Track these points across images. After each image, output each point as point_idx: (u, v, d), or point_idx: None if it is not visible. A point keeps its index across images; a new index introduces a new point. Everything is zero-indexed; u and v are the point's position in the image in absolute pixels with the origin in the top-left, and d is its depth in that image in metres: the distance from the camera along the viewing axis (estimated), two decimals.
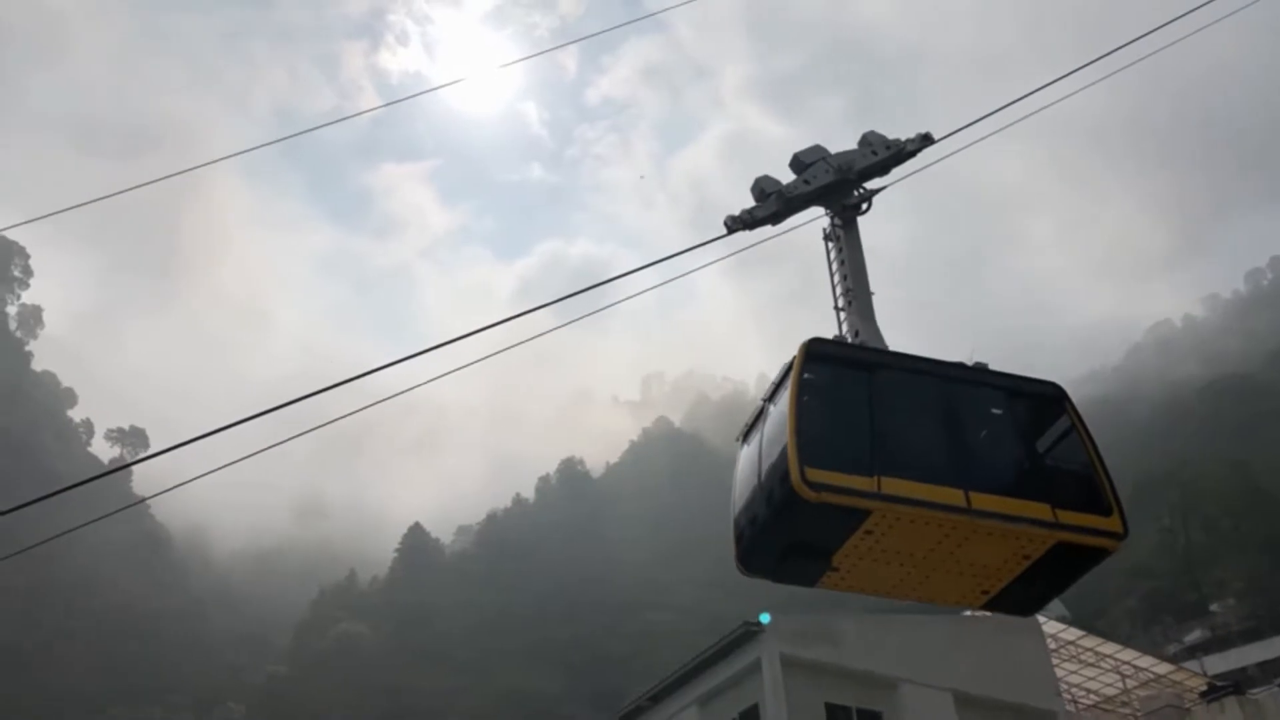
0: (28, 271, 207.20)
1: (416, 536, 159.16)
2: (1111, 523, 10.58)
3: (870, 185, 12.24)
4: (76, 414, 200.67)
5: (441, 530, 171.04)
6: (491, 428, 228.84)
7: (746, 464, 11.13)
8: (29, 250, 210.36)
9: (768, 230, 11.91)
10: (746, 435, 11.39)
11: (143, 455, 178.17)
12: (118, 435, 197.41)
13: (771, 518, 10.32)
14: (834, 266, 12.07)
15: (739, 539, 10.93)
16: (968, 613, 23.73)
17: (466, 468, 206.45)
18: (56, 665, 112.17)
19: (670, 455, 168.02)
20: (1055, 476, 10.93)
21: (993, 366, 11.55)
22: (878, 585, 10.95)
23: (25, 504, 6.95)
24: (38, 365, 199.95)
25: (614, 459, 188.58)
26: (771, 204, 11.65)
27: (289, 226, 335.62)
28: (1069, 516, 10.37)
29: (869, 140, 12.28)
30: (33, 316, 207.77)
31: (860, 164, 12.08)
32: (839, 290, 11.93)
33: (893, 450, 10.29)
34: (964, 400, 11.17)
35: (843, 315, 11.77)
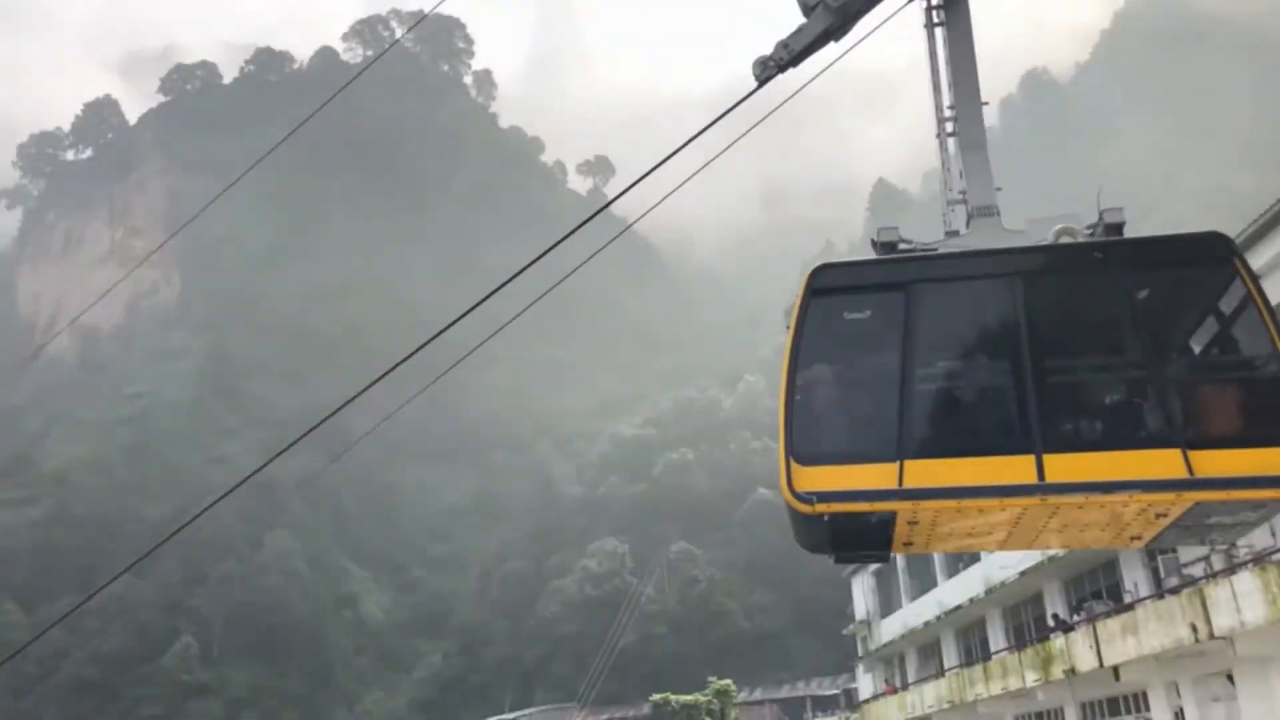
0: (469, 41, 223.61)
1: (884, 191, 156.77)
2: None
3: None
4: (548, 157, 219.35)
5: (907, 180, 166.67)
6: None
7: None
8: (464, 20, 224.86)
9: None
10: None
11: (612, 181, 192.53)
12: (587, 167, 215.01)
13: (790, 514, 7.49)
14: (938, 65, 8.70)
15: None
16: None
17: (918, 113, 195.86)
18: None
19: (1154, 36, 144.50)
20: (1200, 394, 7.41)
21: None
22: (982, 543, 8.11)
23: (552, 247, 7.49)
24: (504, 123, 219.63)
25: (1083, 57, 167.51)
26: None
27: None
28: (1215, 461, 6.88)
29: None
30: (486, 80, 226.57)
31: None
32: (943, 106, 8.64)
33: (926, 412, 7.49)
34: (1049, 297, 7.63)
35: (949, 143, 8.58)
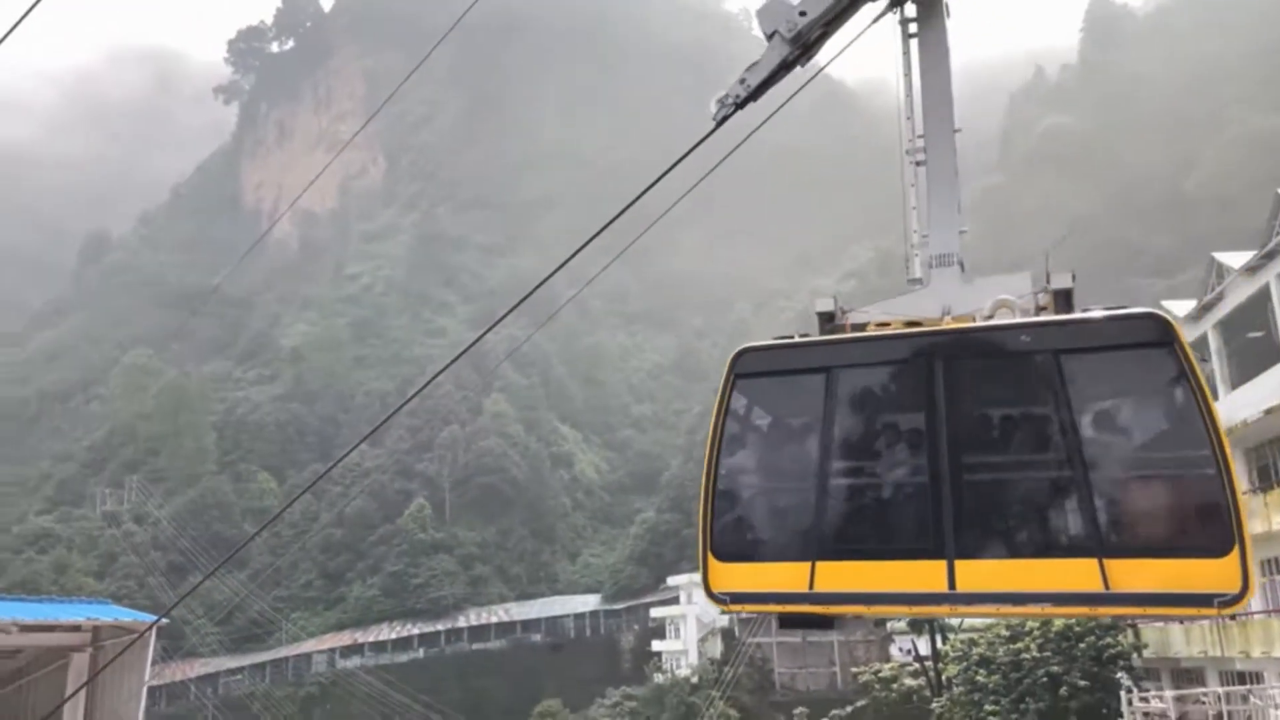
0: None
1: (1101, 7, 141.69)
2: (1222, 573, 5.90)
3: None
4: (732, 4, 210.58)
5: None
6: None
7: None
8: None
9: None
10: None
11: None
12: None
13: None
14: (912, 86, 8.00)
15: None
16: None
17: None
18: None
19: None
20: (1125, 496, 6.45)
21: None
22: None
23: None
24: None
25: None
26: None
27: None
28: (1135, 572, 6.11)
29: None
30: None
31: None
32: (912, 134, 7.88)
33: (840, 511, 6.98)
34: (970, 385, 6.82)
35: (916, 170, 7.81)
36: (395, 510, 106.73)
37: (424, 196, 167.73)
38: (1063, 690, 32.66)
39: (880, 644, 71.37)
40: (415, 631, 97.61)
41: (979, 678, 37.08)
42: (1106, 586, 6.26)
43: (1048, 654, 33.69)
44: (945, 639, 52.26)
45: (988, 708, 35.62)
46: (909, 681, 62.72)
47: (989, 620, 36.13)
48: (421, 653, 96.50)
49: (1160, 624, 36.92)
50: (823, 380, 7.19)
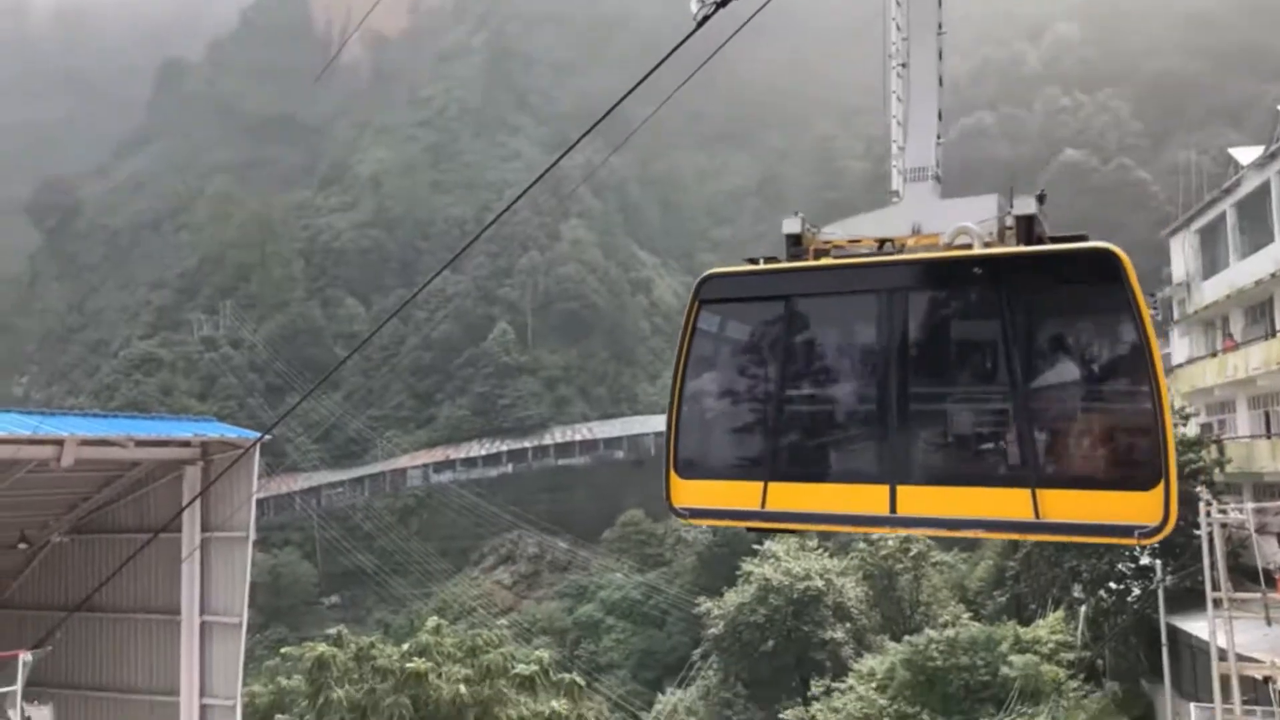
0: None
1: None
2: (1146, 505, 6.13)
3: None
4: None
5: None
6: None
7: None
8: None
9: None
10: None
11: None
12: None
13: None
14: None
15: None
16: None
17: None
18: None
19: None
20: (1063, 429, 6.65)
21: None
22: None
23: None
24: None
25: None
26: None
27: None
28: (1065, 502, 6.35)
29: None
30: None
31: None
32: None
33: (792, 435, 7.39)
34: (922, 316, 7.03)
35: (898, 77, 7.80)
36: (479, 334, 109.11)
37: (494, 14, 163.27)
38: None
39: None
40: (503, 448, 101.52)
41: None
42: (1037, 515, 6.45)
43: None
44: None
45: None
46: None
47: None
48: (510, 468, 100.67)
49: (1246, 439, 36.67)
50: (780, 308, 7.47)
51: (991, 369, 6.94)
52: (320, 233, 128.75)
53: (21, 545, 20.60)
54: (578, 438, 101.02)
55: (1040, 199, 7.12)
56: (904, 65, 7.82)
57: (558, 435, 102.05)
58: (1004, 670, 37.40)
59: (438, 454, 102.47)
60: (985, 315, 6.94)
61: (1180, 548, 33.29)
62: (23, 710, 16.70)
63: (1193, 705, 27.97)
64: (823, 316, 7.57)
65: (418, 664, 42.95)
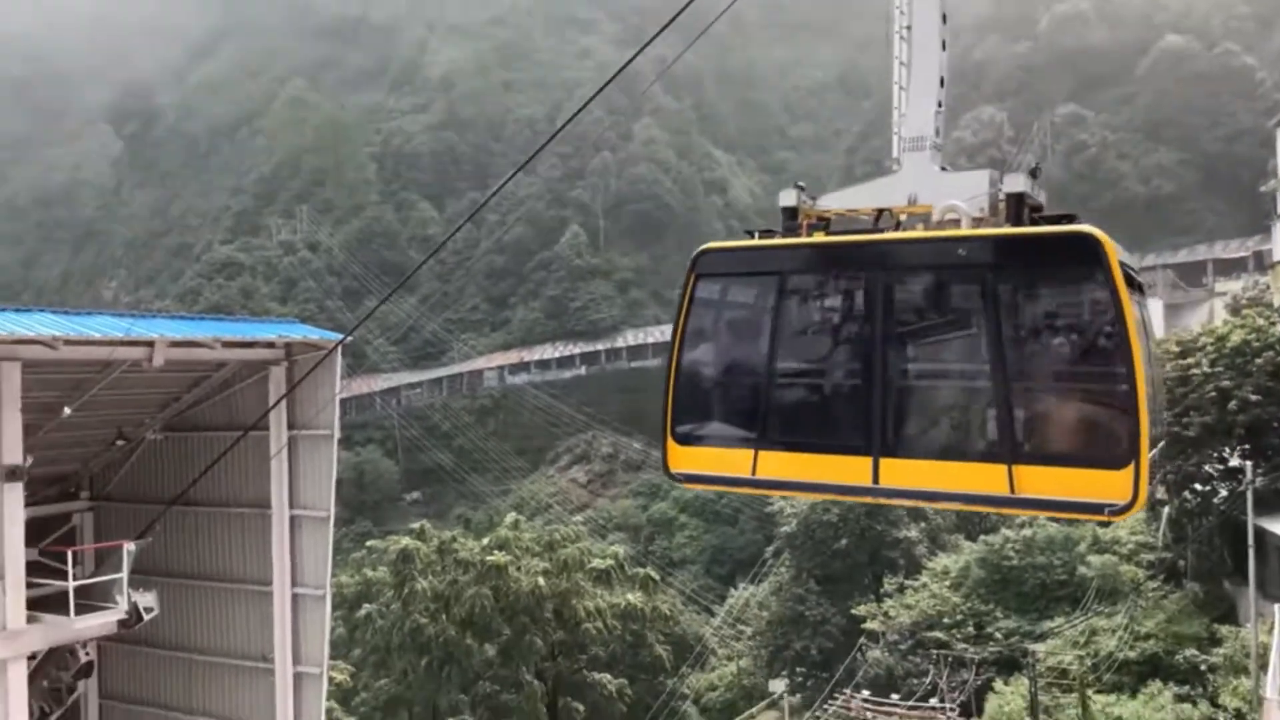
0: None
1: None
2: (1117, 484, 6.37)
3: None
4: None
5: None
6: None
7: None
8: None
9: None
10: None
11: None
12: None
13: None
14: None
15: None
16: None
17: None
18: None
19: None
20: (1040, 407, 6.91)
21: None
22: None
23: None
24: None
25: None
26: None
27: None
28: (1039, 479, 6.63)
29: None
30: None
31: None
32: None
33: (783, 406, 7.77)
34: (907, 294, 7.36)
35: (903, 43, 7.87)
36: (552, 237, 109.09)
37: None
38: (1231, 404, 31.84)
39: None
40: (577, 351, 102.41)
41: None
42: (1012, 491, 6.69)
43: (1219, 369, 32.63)
44: None
45: None
46: None
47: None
48: (583, 370, 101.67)
49: None
50: (771, 283, 7.72)
51: (972, 348, 7.15)
52: (393, 136, 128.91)
53: (120, 442, 21.42)
54: (650, 340, 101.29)
55: (1034, 174, 7.15)
56: (909, 28, 7.92)
57: (630, 338, 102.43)
58: (1081, 570, 37.23)
59: (512, 356, 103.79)
60: (968, 295, 7.13)
61: (1273, 449, 32.42)
62: (129, 595, 17.56)
63: (1277, 606, 27.50)
64: (811, 293, 7.81)
65: (498, 557, 44.33)
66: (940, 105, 7.81)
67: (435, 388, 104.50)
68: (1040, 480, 6.66)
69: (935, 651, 37.54)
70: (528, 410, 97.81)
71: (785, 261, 7.82)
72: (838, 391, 7.77)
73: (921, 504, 6.83)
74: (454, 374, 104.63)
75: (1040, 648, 33.05)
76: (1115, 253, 6.51)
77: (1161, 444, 7.42)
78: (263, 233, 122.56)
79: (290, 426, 20.36)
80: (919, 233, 7.39)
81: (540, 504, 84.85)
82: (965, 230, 7.11)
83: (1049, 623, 36.31)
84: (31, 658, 17.32)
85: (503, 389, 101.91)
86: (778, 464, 7.66)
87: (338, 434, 20.38)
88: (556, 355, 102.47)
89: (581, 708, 44.70)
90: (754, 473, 7.70)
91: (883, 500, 7.74)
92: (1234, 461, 33.72)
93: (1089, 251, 6.52)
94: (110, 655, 22.70)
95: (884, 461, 7.15)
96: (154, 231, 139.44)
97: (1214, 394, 32.17)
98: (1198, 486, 34.97)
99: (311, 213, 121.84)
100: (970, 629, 38.35)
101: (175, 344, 18.24)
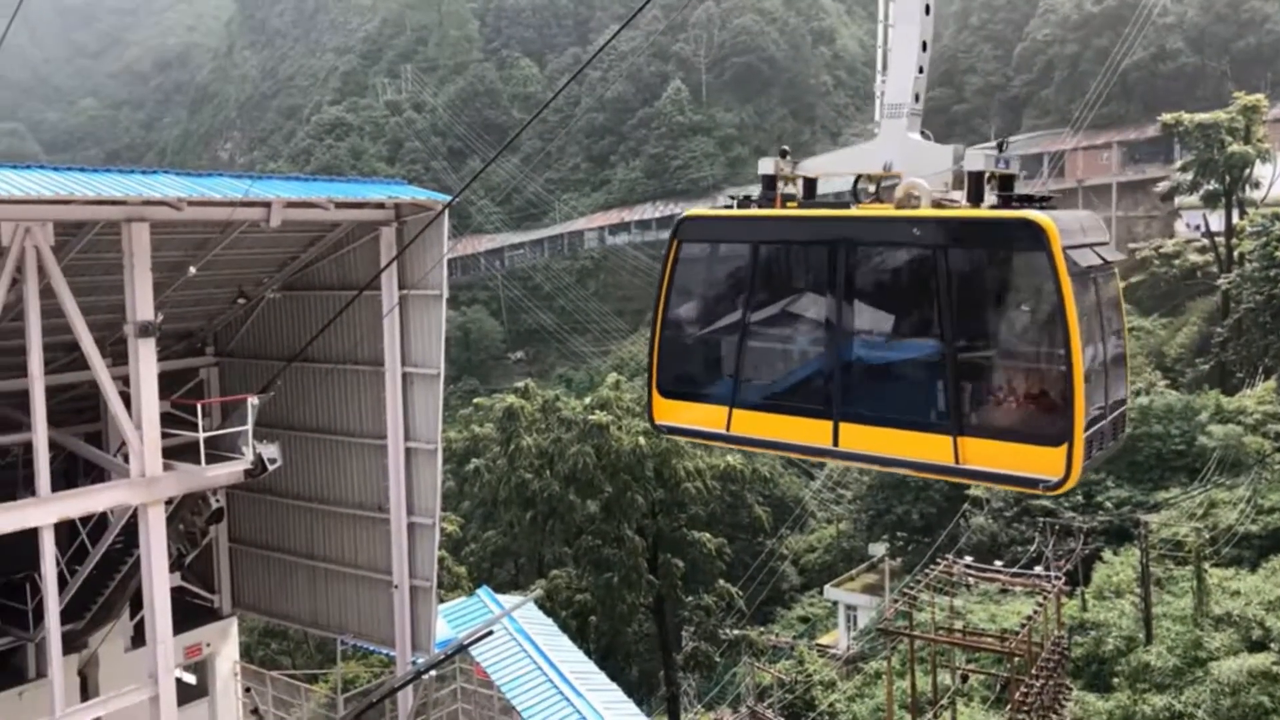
0: None
1: None
2: (1052, 460, 6.83)
3: None
4: None
5: None
6: None
7: None
8: None
9: None
10: None
11: None
12: None
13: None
14: None
15: None
16: None
17: None
18: None
19: None
20: (985, 383, 7.39)
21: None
22: None
23: None
24: None
25: None
26: None
27: None
28: (982, 451, 7.14)
29: None
30: None
31: None
32: None
33: (756, 368, 8.39)
34: (867, 269, 7.88)
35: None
36: (653, 93, 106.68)
37: None
38: None
39: (1165, 220, 67.35)
40: (678, 211, 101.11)
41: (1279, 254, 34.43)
42: (957, 461, 7.13)
43: None
44: (1244, 213, 48.50)
45: None
46: (1193, 257, 59.48)
47: None
48: None
49: None
50: (745, 251, 8.23)
51: (924, 322, 7.56)
52: None
53: (240, 300, 22.05)
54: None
55: (1000, 147, 7.39)
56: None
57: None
58: (1201, 440, 36.01)
59: (613, 216, 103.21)
60: (921, 273, 7.42)
61: None
62: (254, 446, 18.33)
63: None
64: (782, 262, 8.40)
65: (599, 416, 45.09)
66: (922, 70, 7.86)
67: (537, 248, 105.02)
68: (983, 452, 7.11)
69: (1041, 520, 37.11)
70: (627, 271, 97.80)
71: (757, 233, 8.26)
72: (804, 358, 8.27)
73: (876, 468, 7.30)
74: (555, 235, 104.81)
75: (1154, 518, 32.35)
76: (1059, 239, 6.69)
77: (1124, 408, 7.84)
78: (369, 93, 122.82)
79: (401, 286, 20.63)
80: (879, 210, 7.77)
81: (640, 365, 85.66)
82: (922, 211, 7.38)
83: (1164, 493, 35.44)
84: (168, 503, 18.30)
85: (603, 250, 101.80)
86: (749, 422, 8.25)
87: (446, 293, 20.57)
88: (657, 215, 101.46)
89: (681, 564, 45.86)
90: (728, 428, 8.35)
91: (841, 461, 8.51)
92: None
93: (1032, 238, 6.77)
94: (238, 503, 23.96)
95: (843, 425, 7.70)
96: (265, 93, 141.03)
97: None
98: None
99: (415, 72, 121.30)
100: (1079, 497, 37.72)
101: (291, 204, 18.47)
